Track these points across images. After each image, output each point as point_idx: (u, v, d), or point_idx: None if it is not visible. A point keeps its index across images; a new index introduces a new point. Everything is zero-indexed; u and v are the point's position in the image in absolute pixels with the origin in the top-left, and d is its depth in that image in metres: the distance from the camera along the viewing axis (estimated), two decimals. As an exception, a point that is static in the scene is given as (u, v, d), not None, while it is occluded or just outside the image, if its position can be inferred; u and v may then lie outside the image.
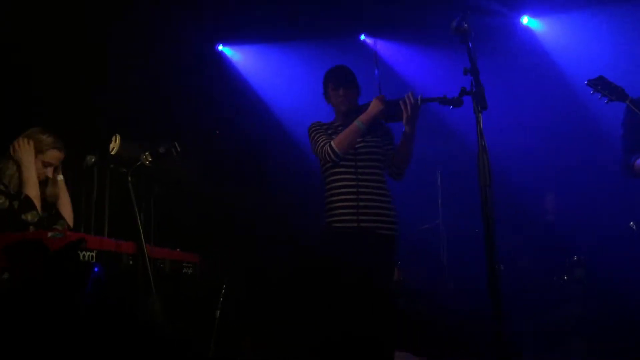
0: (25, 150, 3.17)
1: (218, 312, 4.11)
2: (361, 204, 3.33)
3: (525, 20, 5.71)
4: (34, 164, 3.20)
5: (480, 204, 2.40)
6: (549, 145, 5.38)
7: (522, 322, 4.53)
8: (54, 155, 3.28)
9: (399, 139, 3.43)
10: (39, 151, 3.22)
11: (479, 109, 2.43)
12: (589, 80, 3.51)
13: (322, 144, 3.39)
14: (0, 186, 3.09)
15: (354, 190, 3.36)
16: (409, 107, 3.26)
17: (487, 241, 2.37)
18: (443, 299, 4.99)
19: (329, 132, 3.48)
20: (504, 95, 4.88)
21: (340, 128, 3.47)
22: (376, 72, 3.54)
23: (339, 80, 3.53)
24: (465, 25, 2.64)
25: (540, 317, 4.63)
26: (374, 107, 3.35)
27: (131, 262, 2.81)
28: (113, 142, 3.78)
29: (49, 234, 2.43)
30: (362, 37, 6.08)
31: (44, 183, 3.31)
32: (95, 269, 2.33)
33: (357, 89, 3.57)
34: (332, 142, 3.34)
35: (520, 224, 5.11)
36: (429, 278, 5.30)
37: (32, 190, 3.12)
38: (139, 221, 2.81)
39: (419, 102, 3.27)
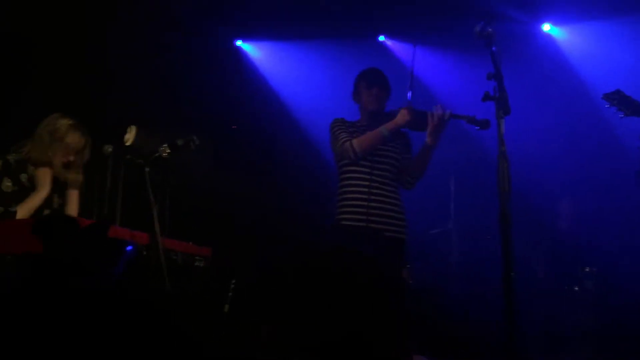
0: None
1: (227, 306, 4.12)
2: (372, 204, 3.36)
3: (546, 27, 5.68)
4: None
5: (498, 210, 2.39)
6: (566, 152, 5.35)
7: (532, 328, 4.52)
8: (74, 139, 3.28)
9: (419, 148, 3.46)
10: (59, 138, 3.23)
11: (502, 114, 2.42)
12: (605, 94, 3.50)
13: (343, 140, 3.41)
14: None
15: (367, 190, 3.38)
16: (435, 119, 3.29)
17: (504, 248, 2.36)
18: (452, 302, 4.98)
19: (351, 130, 3.50)
20: (523, 102, 4.85)
21: (363, 128, 3.48)
22: (411, 78, 3.53)
23: (375, 80, 3.57)
24: (489, 29, 2.63)
25: (549, 324, 4.61)
26: (401, 117, 3.38)
27: (145, 253, 2.82)
28: (128, 133, 3.79)
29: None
30: (382, 38, 6.06)
31: (66, 166, 3.32)
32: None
33: (388, 93, 3.60)
34: (353, 141, 3.37)
35: (534, 231, 5.08)
36: (438, 281, 5.28)
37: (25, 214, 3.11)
38: (154, 212, 2.81)
39: (446, 117, 3.29)
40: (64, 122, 3.26)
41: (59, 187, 3.37)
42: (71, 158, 3.30)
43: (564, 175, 5.30)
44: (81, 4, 4.69)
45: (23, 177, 3.16)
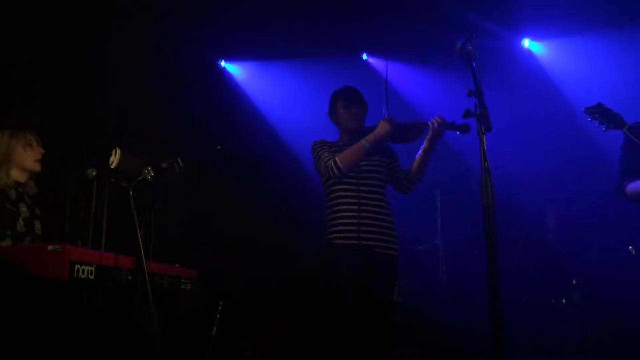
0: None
1: (214, 328, 4.09)
2: (362, 221, 3.34)
3: (526, 43, 5.76)
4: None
5: (483, 225, 2.39)
6: (550, 165, 5.39)
7: (521, 341, 4.52)
8: (22, 138, 3.25)
9: (417, 155, 3.47)
10: (11, 147, 3.20)
11: (483, 130, 2.43)
12: (586, 108, 3.53)
13: (326, 159, 3.40)
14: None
15: (356, 207, 3.36)
16: (436, 125, 3.32)
17: (490, 263, 2.36)
18: (442, 318, 4.97)
19: (333, 149, 3.49)
20: (505, 117, 4.90)
21: (344, 147, 3.48)
22: (384, 92, 3.56)
23: (353, 98, 3.57)
24: (470, 47, 2.66)
25: (537, 336, 4.61)
26: (382, 128, 3.37)
27: (130, 278, 2.79)
28: (113, 156, 3.77)
29: (49, 247, 2.41)
30: (364, 56, 6.12)
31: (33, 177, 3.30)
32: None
33: (366, 110, 3.61)
34: (336, 158, 3.35)
35: (521, 244, 5.11)
36: (428, 298, 5.28)
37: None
38: (139, 236, 2.79)
39: (441, 121, 3.33)
40: (0, 135, 3.23)
41: (37, 212, 3.33)
42: (41, 151, 3.28)
43: (548, 187, 5.34)
44: (62, 25, 4.66)
45: (6, 204, 3.13)
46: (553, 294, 4.76)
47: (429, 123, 3.39)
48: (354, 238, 3.31)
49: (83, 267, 2.49)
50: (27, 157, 3.22)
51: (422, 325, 4.86)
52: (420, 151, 3.48)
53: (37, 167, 3.26)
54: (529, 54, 5.80)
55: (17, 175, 3.21)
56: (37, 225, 3.29)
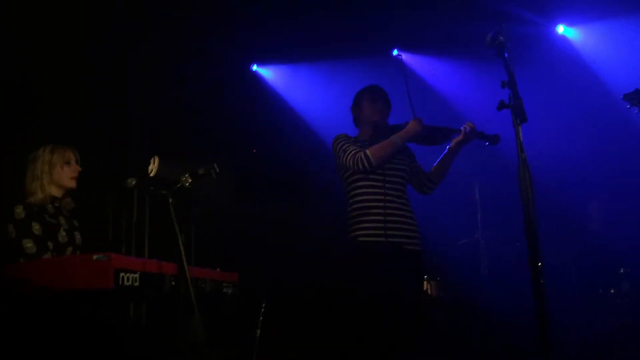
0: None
1: (258, 331, 4.13)
2: (389, 218, 3.33)
3: (560, 29, 5.65)
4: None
5: (523, 218, 2.36)
6: (591, 154, 5.28)
7: (567, 335, 4.43)
8: (62, 155, 3.33)
9: (442, 156, 3.48)
10: (49, 164, 3.28)
11: (518, 122, 2.40)
12: (625, 95, 3.46)
13: (353, 152, 3.38)
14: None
15: (382, 205, 3.36)
16: (468, 132, 3.35)
17: (531, 255, 2.32)
18: (484, 313, 4.91)
19: (358, 144, 3.50)
20: (541, 107, 4.81)
21: (366, 144, 3.48)
22: (407, 91, 3.54)
23: (379, 94, 3.61)
24: (501, 37, 2.62)
25: (585, 330, 4.51)
26: (414, 127, 3.39)
27: (173, 283, 2.84)
28: (152, 164, 3.84)
29: (95, 257, 2.47)
30: (395, 52, 6.09)
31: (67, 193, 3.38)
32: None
33: (389, 109, 3.62)
34: (367, 151, 3.35)
35: (565, 235, 5.01)
36: (469, 292, 5.22)
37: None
38: (180, 242, 2.83)
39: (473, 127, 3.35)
40: (42, 150, 3.32)
41: (75, 224, 3.42)
42: (79, 168, 3.36)
43: (589, 177, 5.23)
44: (100, 39, 4.76)
45: (45, 217, 3.22)
46: (601, 284, 4.66)
47: (462, 128, 3.41)
48: (381, 235, 3.31)
49: (128, 274, 2.54)
50: (64, 175, 3.30)
51: (464, 320, 4.81)
52: (445, 152, 3.50)
53: (72, 184, 3.34)
54: (563, 40, 5.68)
55: (54, 190, 3.29)
56: (77, 235, 3.38)
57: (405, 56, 6.08)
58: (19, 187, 3.29)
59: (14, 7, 4.13)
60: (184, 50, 5.46)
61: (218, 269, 3.44)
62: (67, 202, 3.39)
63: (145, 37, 5.13)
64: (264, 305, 4.25)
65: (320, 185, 5.73)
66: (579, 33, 5.66)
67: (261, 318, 4.17)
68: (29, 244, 3.05)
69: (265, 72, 6.44)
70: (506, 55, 2.58)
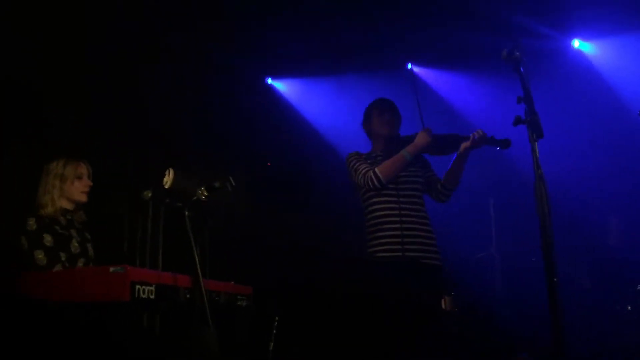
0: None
1: (272, 344, 4.12)
2: (405, 232, 3.32)
3: (576, 43, 5.63)
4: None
5: (540, 233, 2.35)
6: (607, 169, 5.23)
7: (583, 350, 4.37)
8: (75, 169, 3.36)
9: (452, 161, 3.44)
10: (62, 177, 3.31)
11: (535, 137, 2.39)
12: None
13: (364, 170, 3.41)
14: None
15: (397, 219, 3.35)
16: (476, 140, 3.29)
17: (548, 271, 2.31)
18: (499, 328, 4.87)
19: (369, 161, 3.50)
20: (558, 121, 4.79)
21: (379, 158, 3.48)
22: (417, 100, 3.55)
23: (387, 106, 3.62)
24: (517, 53, 2.63)
25: (601, 346, 4.46)
26: (422, 139, 3.36)
27: (188, 296, 2.84)
28: (167, 176, 3.87)
29: (111, 269, 2.49)
30: (409, 66, 6.10)
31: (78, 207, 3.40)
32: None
33: (399, 119, 3.62)
34: (376, 169, 3.36)
35: (582, 251, 4.96)
36: (484, 308, 5.18)
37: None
38: (195, 255, 2.85)
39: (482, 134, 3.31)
40: (55, 163, 3.34)
41: (87, 236, 3.44)
42: (90, 183, 3.38)
43: (606, 192, 5.18)
44: (110, 48, 4.80)
45: (57, 229, 3.25)
46: (617, 301, 4.60)
47: (470, 136, 3.37)
48: (398, 250, 3.30)
49: (143, 287, 2.55)
50: (75, 189, 3.33)
51: (479, 336, 4.77)
52: (454, 158, 3.45)
53: (83, 199, 3.37)
54: (579, 54, 5.65)
55: (64, 203, 3.32)
56: (90, 247, 3.40)
57: (419, 70, 6.09)
58: (31, 198, 3.32)
59: (34, 11, 4.18)
60: (201, 63, 5.51)
61: (232, 282, 3.45)
62: (79, 215, 3.42)
63: (162, 49, 5.18)
64: (277, 318, 4.25)
65: (336, 197, 5.73)
66: (595, 47, 5.64)
67: (275, 331, 4.16)
68: (40, 256, 3.07)
69: (280, 85, 6.48)
70: (522, 70, 2.58)
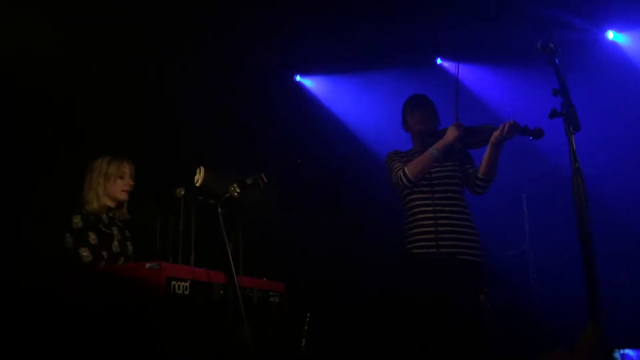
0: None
1: (304, 340, 4.13)
2: (440, 229, 3.30)
3: (610, 35, 5.52)
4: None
5: (577, 228, 2.30)
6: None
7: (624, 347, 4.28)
8: (119, 167, 3.41)
9: (485, 152, 3.36)
10: (106, 175, 3.36)
11: (572, 130, 2.35)
12: None
13: (396, 169, 3.43)
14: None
15: (432, 215, 3.34)
16: (505, 130, 3.20)
17: (587, 268, 2.26)
18: (535, 327, 4.80)
19: (405, 159, 3.48)
20: (593, 113, 4.70)
21: (416, 155, 3.46)
22: (456, 94, 3.50)
23: (417, 103, 3.60)
24: (551, 44, 2.58)
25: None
26: (450, 133, 3.34)
27: (222, 292, 2.87)
28: (198, 174, 3.90)
29: (147, 265, 2.52)
30: (439, 61, 6.05)
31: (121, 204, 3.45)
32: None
33: (433, 112, 3.59)
34: (405, 168, 3.36)
35: (621, 245, 4.86)
36: (518, 305, 5.11)
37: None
38: (229, 252, 2.87)
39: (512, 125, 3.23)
40: (100, 161, 3.41)
41: (127, 234, 3.49)
42: (131, 182, 3.43)
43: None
44: (142, 50, 4.87)
45: (101, 227, 3.31)
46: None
47: (500, 126, 3.27)
48: (433, 247, 3.28)
49: (179, 283, 2.58)
50: (117, 187, 3.39)
51: (514, 334, 4.71)
52: (488, 147, 3.35)
53: (123, 197, 3.43)
54: (614, 46, 5.54)
55: (107, 201, 3.39)
56: (129, 246, 3.46)
57: (448, 64, 6.03)
58: (75, 197, 3.39)
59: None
60: (230, 62, 5.55)
61: (265, 279, 3.46)
62: (122, 213, 3.49)
63: (193, 48, 5.23)
64: (309, 314, 4.25)
65: (367, 194, 5.72)
66: (629, 38, 5.52)
67: (307, 327, 4.17)
68: (85, 253, 3.13)
69: (308, 82, 6.49)
70: (557, 62, 2.53)
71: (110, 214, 3.43)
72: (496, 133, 3.27)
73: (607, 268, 4.67)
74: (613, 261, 4.78)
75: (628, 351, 3.54)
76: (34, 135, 4.18)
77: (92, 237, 3.20)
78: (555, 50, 2.55)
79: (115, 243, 3.34)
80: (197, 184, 3.86)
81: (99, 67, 4.51)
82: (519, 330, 4.72)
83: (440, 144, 3.34)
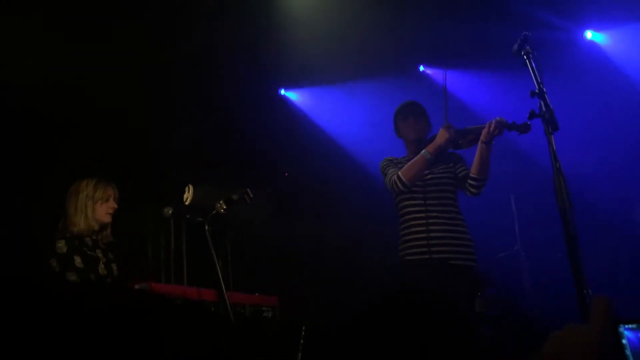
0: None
1: (299, 354, 4.11)
2: (432, 234, 3.29)
3: (589, 34, 5.57)
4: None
5: (562, 227, 2.32)
6: (627, 159, 5.15)
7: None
8: (105, 191, 3.40)
9: (476, 152, 3.37)
10: (91, 198, 3.35)
11: (550, 130, 2.37)
12: None
13: (390, 175, 3.43)
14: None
15: (424, 222, 3.33)
16: (493, 127, 3.22)
17: (573, 265, 2.27)
18: (529, 326, 4.80)
19: (399, 165, 3.49)
20: (574, 113, 4.73)
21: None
22: (444, 101, 3.53)
23: (408, 110, 3.59)
24: (527, 47, 2.61)
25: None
26: (441, 136, 3.35)
27: (213, 309, 2.86)
28: (187, 192, 3.90)
29: (136, 286, 2.52)
30: (421, 68, 6.09)
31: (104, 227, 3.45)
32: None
33: (426, 119, 3.59)
34: (399, 172, 3.36)
35: (608, 242, 4.88)
36: (513, 306, 5.11)
37: None
38: (217, 268, 2.87)
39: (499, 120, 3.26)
40: (85, 183, 3.39)
41: (111, 256, 3.47)
42: (115, 206, 3.42)
43: (628, 182, 5.10)
44: (125, 62, 4.82)
45: (85, 250, 3.30)
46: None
47: (489, 122, 3.30)
48: (425, 253, 3.28)
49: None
50: (101, 210, 3.38)
51: (509, 334, 4.71)
52: (478, 146, 3.34)
53: (107, 219, 3.42)
54: (593, 45, 5.59)
55: (90, 224, 3.37)
56: (114, 267, 3.44)
57: (431, 72, 6.07)
58: (56, 221, 3.37)
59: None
60: (213, 80, 5.55)
61: (257, 294, 3.46)
62: (106, 236, 3.46)
63: (176, 62, 5.21)
64: (304, 328, 4.24)
65: (355, 203, 5.73)
66: (608, 38, 5.57)
67: (302, 341, 4.16)
68: (72, 277, 3.12)
69: (293, 95, 6.50)
70: (534, 64, 2.55)
71: (94, 237, 3.41)
72: (485, 131, 3.28)
73: (594, 265, 4.70)
74: (600, 258, 4.81)
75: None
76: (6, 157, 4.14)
77: (78, 261, 3.19)
78: (532, 52, 2.58)
79: (102, 266, 3.32)
80: (187, 202, 3.86)
81: (81, 78, 4.47)
82: (513, 332, 4.72)
83: (432, 147, 3.35)
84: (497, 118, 3.27)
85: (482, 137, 3.30)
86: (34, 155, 4.25)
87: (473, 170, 3.41)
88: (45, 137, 4.35)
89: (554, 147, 2.36)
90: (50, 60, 4.22)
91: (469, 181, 3.43)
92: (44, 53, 4.17)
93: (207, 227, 3.01)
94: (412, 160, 3.37)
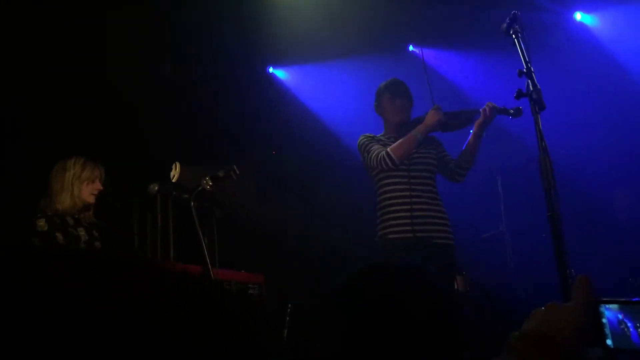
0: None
1: (285, 331, 4.14)
2: (415, 214, 3.31)
3: (578, 16, 5.56)
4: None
5: (546, 207, 2.33)
6: (613, 141, 5.19)
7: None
8: (91, 171, 3.36)
9: (467, 141, 3.41)
10: (77, 177, 3.31)
11: (537, 110, 2.38)
12: None
13: (377, 151, 3.39)
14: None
15: (408, 200, 3.34)
16: (488, 113, 3.24)
17: (556, 245, 2.29)
18: (512, 305, 4.86)
19: (382, 143, 3.48)
20: (562, 94, 4.75)
21: (391, 141, 3.46)
22: (427, 80, 3.52)
23: (398, 90, 3.54)
24: (516, 26, 2.60)
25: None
26: (432, 117, 3.34)
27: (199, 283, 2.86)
28: (173, 170, 3.88)
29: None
30: (411, 47, 6.06)
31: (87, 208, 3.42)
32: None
33: (412, 102, 3.58)
34: (388, 150, 3.34)
35: (591, 224, 4.94)
36: (497, 286, 5.17)
37: None
38: (203, 245, 2.86)
39: (493, 106, 3.28)
40: (73, 162, 3.34)
41: (95, 234, 3.44)
42: (100, 187, 3.38)
43: (613, 164, 5.14)
44: (120, 46, 4.79)
45: (67, 228, 3.27)
46: (630, 272, 4.58)
47: (480, 110, 3.33)
48: (409, 231, 3.29)
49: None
50: (86, 190, 3.33)
51: (492, 314, 4.77)
52: (470, 137, 3.41)
53: (91, 200, 3.36)
54: (582, 27, 5.59)
55: (75, 202, 3.33)
56: (98, 245, 3.41)
57: (420, 51, 6.05)
58: (37, 200, 3.33)
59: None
60: (201, 57, 5.50)
61: (243, 271, 3.47)
62: (88, 216, 3.42)
63: (164, 42, 5.16)
64: (290, 305, 4.26)
65: (342, 183, 5.73)
66: (598, 19, 5.57)
67: (288, 318, 4.18)
68: None
69: (281, 73, 6.46)
70: (522, 44, 2.55)
71: (76, 216, 3.38)
72: (479, 121, 3.30)
73: (578, 245, 4.75)
74: (585, 239, 4.86)
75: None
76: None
77: (60, 238, 3.16)
78: (520, 31, 2.57)
79: (82, 245, 3.29)
80: (174, 180, 3.84)
81: (69, 59, 4.43)
82: (496, 311, 4.78)
83: (422, 128, 3.34)
84: (489, 104, 3.28)
85: (476, 130, 3.33)
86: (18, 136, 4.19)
87: (463, 160, 3.43)
88: (30, 117, 4.30)
89: (541, 127, 2.36)
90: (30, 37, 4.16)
91: (458, 170, 3.46)
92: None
93: (193, 204, 3.00)
94: (403, 139, 3.35)
